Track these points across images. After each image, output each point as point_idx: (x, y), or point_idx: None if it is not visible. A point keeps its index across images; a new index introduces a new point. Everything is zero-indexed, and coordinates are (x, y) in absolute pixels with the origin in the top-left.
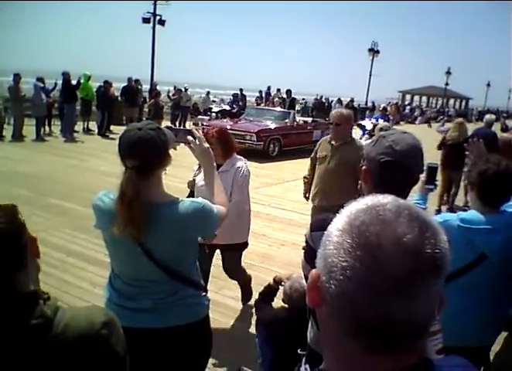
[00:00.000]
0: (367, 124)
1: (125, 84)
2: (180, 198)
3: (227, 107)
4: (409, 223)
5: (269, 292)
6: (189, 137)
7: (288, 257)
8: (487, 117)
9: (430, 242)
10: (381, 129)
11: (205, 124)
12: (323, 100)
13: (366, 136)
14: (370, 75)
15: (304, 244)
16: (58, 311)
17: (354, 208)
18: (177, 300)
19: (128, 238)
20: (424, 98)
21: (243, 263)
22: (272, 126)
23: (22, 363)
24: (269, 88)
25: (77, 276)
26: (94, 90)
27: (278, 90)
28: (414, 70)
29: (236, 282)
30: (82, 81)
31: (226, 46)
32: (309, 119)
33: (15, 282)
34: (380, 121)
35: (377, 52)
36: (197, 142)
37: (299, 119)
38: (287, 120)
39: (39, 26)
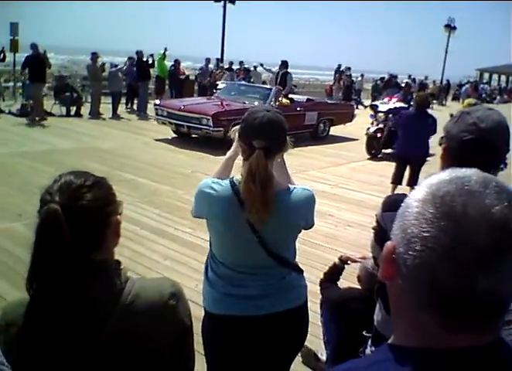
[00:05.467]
0: (381, 105)
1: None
2: (289, 185)
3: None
4: (498, 195)
5: (334, 272)
6: None
7: (354, 238)
8: None
9: None
10: (470, 105)
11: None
12: (392, 77)
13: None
14: (446, 52)
15: (374, 224)
16: (128, 281)
17: (435, 179)
18: (284, 285)
19: (243, 225)
20: (503, 77)
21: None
22: (240, 106)
23: (92, 331)
24: (339, 67)
25: (149, 248)
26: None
27: (349, 68)
28: (494, 47)
29: (300, 260)
30: (157, 59)
31: (299, 25)
32: (304, 97)
33: (91, 254)
34: (393, 100)
35: (454, 28)
36: None
37: (285, 97)
38: (271, 99)
39: (115, 8)
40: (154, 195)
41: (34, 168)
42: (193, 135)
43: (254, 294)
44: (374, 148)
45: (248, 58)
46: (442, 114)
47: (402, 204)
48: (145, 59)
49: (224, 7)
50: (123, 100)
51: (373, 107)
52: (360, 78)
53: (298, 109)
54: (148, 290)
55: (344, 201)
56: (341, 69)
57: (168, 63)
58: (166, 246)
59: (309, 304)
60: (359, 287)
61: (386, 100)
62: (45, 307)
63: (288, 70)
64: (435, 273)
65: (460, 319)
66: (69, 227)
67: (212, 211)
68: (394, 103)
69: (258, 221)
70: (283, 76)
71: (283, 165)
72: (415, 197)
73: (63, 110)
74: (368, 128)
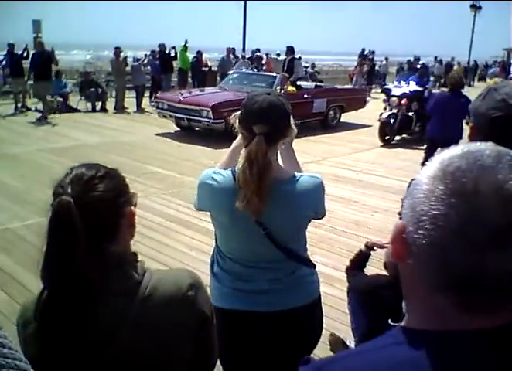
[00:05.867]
0: (394, 88)
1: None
2: (296, 173)
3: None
4: (511, 170)
5: (361, 259)
6: None
7: (380, 224)
8: None
9: None
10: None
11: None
12: (415, 60)
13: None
14: (473, 32)
15: (400, 209)
16: (145, 273)
17: (448, 154)
18: (294, 279)
19: (248, 218)
20: None
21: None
22: (242, 96)
23: (110, 325)
24: (363, 51)
25: (175, 239)
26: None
27: (373, 52)
28: None
29: (326, 247)
30: (179, 52)
31: (323, 9)
32: (312, 84)
33: (105, 247)
34: (412, 84)
35: (479, 7)
36: None
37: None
38: (276, 87)
39: (139, 3)
40: (178, 186)
41: (61, 164)
42: (197, 128)
43: (260, 289)
44: (387, 134)
45: (268, 46)
46: (470, 94)
47: (413, 181)
48: (167, 51)
49: None
50: (147, 94)
51: (386, 91)
52: (384, 62)
53: (306, 96)
54: (166, 282)
55: (369, 187)
56: (365, 53)
57: (191, 55)
58: (191, 237)
59: (337, 291)
60: (386, 273)
61: (395, 83)
62: (59, 302)
63: (296, 56)
64: (445, 252)
65: (472, 300)
66: (81, 219)
67: (215, 203)
68: (406, 85)
69: (252, 212)
70: (290, 63)
71: (290, 152)
72: (426, 173)
73: (89, 105)
74: (381, 114)
